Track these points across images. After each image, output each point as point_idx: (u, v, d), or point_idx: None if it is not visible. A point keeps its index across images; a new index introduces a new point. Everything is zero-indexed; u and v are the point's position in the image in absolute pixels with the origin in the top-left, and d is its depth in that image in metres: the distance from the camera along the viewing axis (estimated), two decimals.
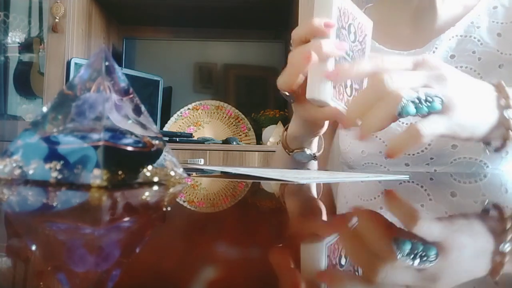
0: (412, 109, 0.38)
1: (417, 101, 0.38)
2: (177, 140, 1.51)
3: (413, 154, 0.65)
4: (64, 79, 1.49)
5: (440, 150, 0.63)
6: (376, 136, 0.68)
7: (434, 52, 0.66)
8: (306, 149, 0.58)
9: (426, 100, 0.39)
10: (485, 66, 0.63)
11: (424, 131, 0.37)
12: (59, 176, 0.25)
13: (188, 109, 1.74)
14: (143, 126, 0.29)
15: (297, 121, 0.56)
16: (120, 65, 1.79)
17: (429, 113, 0.39)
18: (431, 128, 0.38)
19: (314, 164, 0.64)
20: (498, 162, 0.62)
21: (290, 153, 0.59)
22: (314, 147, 0.60)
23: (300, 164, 0.61)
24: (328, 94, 0.43)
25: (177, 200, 0.25)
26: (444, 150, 0.63)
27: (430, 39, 0.67)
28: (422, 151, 0.64)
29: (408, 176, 0.44)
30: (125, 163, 0.27)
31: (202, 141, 1.53)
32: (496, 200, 0.33)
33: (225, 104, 1.76)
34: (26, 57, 1.92)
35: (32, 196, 0.23)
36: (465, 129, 0.40)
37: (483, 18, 0.65)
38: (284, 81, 0.45)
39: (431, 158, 0.64)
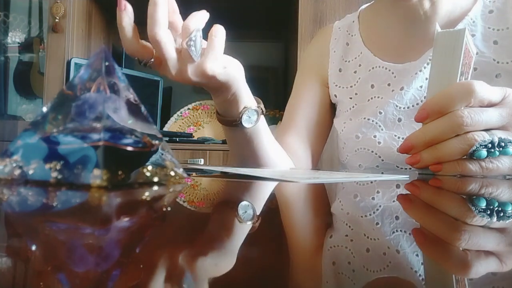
0: (484, 153, 0.41)
1: (490, 146, 0.41)
2: (177, 140, 1.51)
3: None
4: (64, 79, 1.49)
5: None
6: (373, 151, 0.68)
7: (428, 64, 0.65)
8: (245, 108, 0.57)
9: (499, 145, 0.41)
10: (481, 76, 0.61)
11: (489, 171, 0.42)
12: (59, 176, 0.25)
13: (188, 109, 1.74)
14: (143, 126, 0.29)
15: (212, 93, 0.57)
16: (120, 65, 1.79)
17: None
18: (497, 167, 0.42)
19: (264, 131, 0.61)
20: None
21: (238, 122, 0.57)
22: (249, 102, 0.58)
23: (254, 134, 0.59)
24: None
25: (177, 200, 0.25)
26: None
27: (424, 50, 0.66)
28: None
29: (408, 176, 0.44)
30: (125, 163, 0.27)
31: (202, 141, 1.53)
32: None
33: None
34: (26, 57, 1.92)
35: (32, 196, 0.23)
36: None
37: (478, 24, 0.64)
38: None
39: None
